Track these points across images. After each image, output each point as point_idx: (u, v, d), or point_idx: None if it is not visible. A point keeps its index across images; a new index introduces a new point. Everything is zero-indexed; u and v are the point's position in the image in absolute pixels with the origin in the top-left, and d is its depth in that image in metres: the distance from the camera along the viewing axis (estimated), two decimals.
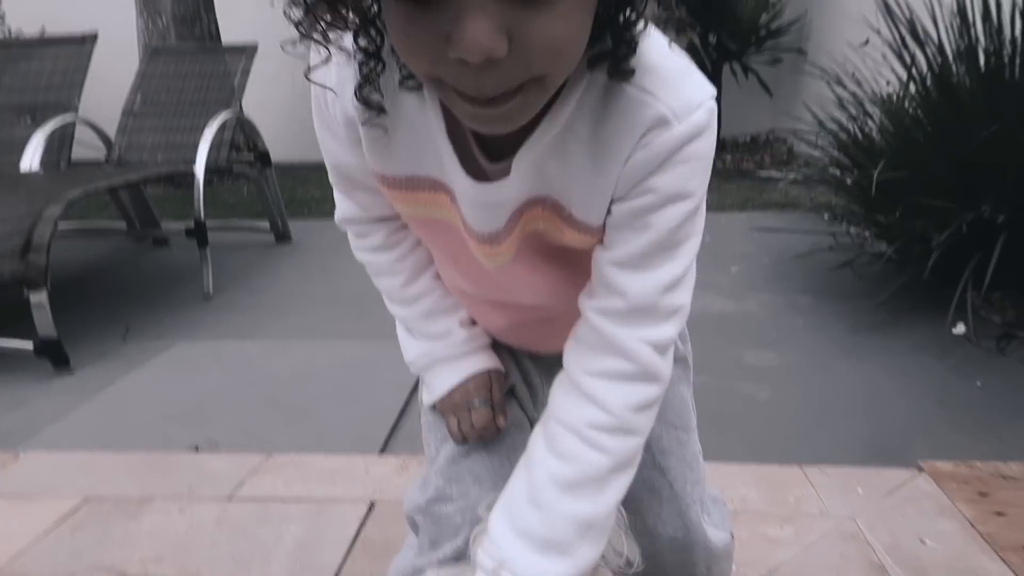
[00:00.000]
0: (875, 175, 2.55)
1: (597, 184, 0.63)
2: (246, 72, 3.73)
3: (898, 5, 2.76)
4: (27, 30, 5.71)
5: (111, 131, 3.80)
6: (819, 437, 1.87)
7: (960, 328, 2.44)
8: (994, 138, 2.37)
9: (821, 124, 3.02)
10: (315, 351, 2.49)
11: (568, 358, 0.70)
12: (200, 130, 3.54)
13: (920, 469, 1.60)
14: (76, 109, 3.62)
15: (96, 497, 1.59)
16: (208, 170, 3.33)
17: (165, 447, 1.87)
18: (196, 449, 1.86)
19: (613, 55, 0.59)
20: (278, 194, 3.99)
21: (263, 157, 3.83)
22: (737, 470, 1.61)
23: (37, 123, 3.59)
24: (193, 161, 3.40)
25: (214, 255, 3.28)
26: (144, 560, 1.38)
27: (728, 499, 1.50)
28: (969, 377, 2.21)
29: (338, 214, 0.83)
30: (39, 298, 2.43)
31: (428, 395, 0.86)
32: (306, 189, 5.32)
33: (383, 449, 1.85)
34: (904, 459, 1.68)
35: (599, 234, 0.67)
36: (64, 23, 5.77)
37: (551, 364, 0.78)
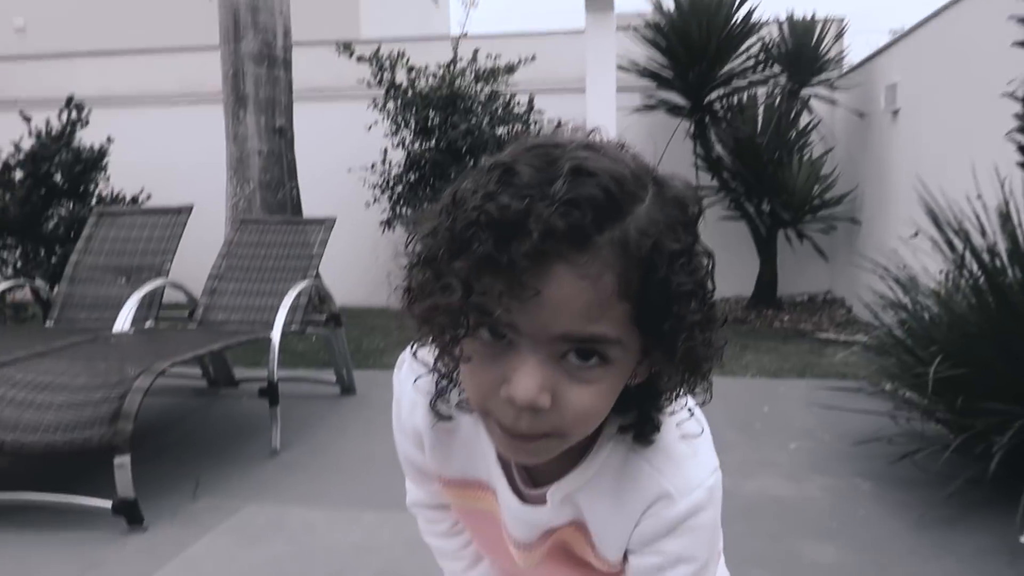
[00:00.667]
0: (931, 373, 2.59)
1: (615, 532, 0.76)
2: (324, 243, 4.03)
3: (939, 206, 2.89)
4: (128, 190, 6.27)
5: (194, 288, 4.10)
6: None
7: None
8: None
9: (877, 317, 3.09)
10: (378, 524, 2.56)
11: None
12: (278, 295, 3.80)
13: None
14: (167, 274, 3.93)
15: None
16: (283, 334, 3.55)
17: None
18: None
19: (640, 429, 0.73)
20: (346, 351, 4.19)
21: (335, 318, 4.06)
22: None
23: (131, 283, 3.90)
24: (270, 323, 3.63)
25: (282, 405, 3.43)
26: None
27: None
28: None
29: (409, 499, 0.96)
30: (122, 460, 2.57)
31: None
32: (371, 339, 5.54)
33: None
34: None
35: (617, 569, 0.79)
36: (161, 182, 6.36)
37: None
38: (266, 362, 3.42)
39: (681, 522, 0.73)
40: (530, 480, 0.78)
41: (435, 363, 0.71)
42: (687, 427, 0.75)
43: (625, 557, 0.77)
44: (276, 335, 3.50)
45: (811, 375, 4.46)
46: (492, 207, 0.58)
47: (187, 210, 4.18)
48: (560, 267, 0.58)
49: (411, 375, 0.82)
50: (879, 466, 2.98)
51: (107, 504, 2.57)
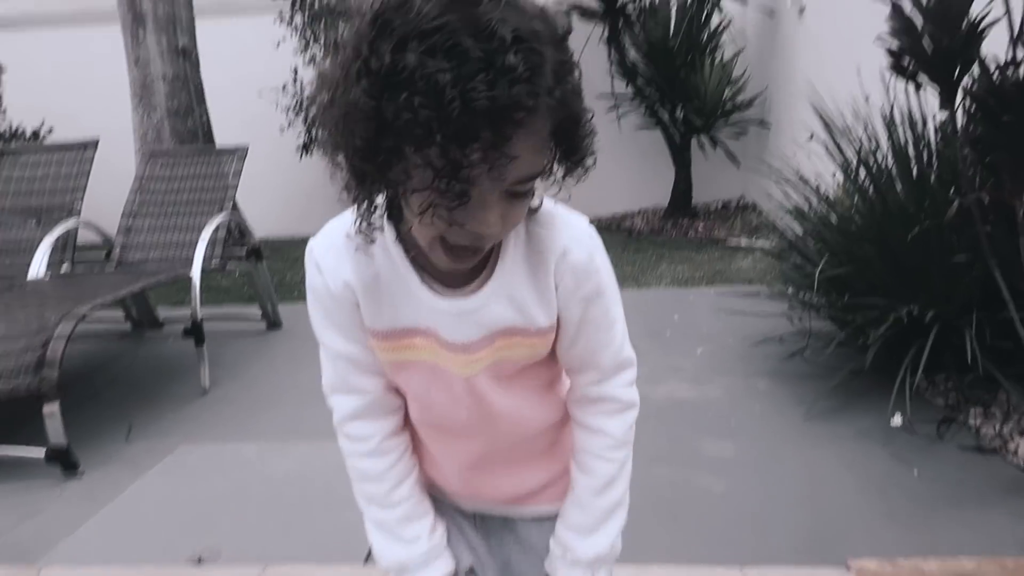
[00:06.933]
0: (817, 272, 2.81)
1: (539, 298, 0.89)
2: (238, 173, 3.98)
3: (828, 110, 3.05)
4: (28, 122, 5.98)
5: (107, 225, 4.03)
6: (765, 533, 2.07)
7: (897, 419, 2.66)
8: (923, 238, 2.62)
9: (775, 227, 3.28)
10: (308, 454, 2.68)
11: (576, 413, 1.00)
12: (196, 230, 3.77)
13: (848, 568, 1.80)
14: (79, 213, 3.85)
15: None
16: (203, 271, 3.55)
17: (172, 556, 2.06)
18: (199, 560, 2.05)
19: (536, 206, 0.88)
20: (269, 285, 4.21)
21: (256, 252, 4.06)
22: (685, 571, 1.81)
23: (42, 225, 3.82)
24: (190, 259, 3.62)
25: (209, 343, 3.47)
26: None
27: None
28: (908, 464, 2.42)
29: (338, 415, 0.97)
30: (51, 408, 2.62)
31: None
32: (294, 272, 5.54)
33: (367, 559, 2.04)
34: (839, 554, 1.89)
35: (550, 337, 0.92)
36: (63, 116, 6.06)
37: (491, 527, 1.08)
38: (189, 300, 3.44)
39: (586, 265, 0.88)
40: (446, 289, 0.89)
41: (364, 206, 0.80)
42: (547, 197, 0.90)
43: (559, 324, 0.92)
44: (197, 272, 3.51)
45: (720, 282, 4.70)
46: (474, 95, 0.64)
47: (93, 145, 4.06)
48: (522, 132, 0.68)
49: (324, 247, 0.90)
50: (774, 364, 3.24)
51: (39, 453, 2.62)
